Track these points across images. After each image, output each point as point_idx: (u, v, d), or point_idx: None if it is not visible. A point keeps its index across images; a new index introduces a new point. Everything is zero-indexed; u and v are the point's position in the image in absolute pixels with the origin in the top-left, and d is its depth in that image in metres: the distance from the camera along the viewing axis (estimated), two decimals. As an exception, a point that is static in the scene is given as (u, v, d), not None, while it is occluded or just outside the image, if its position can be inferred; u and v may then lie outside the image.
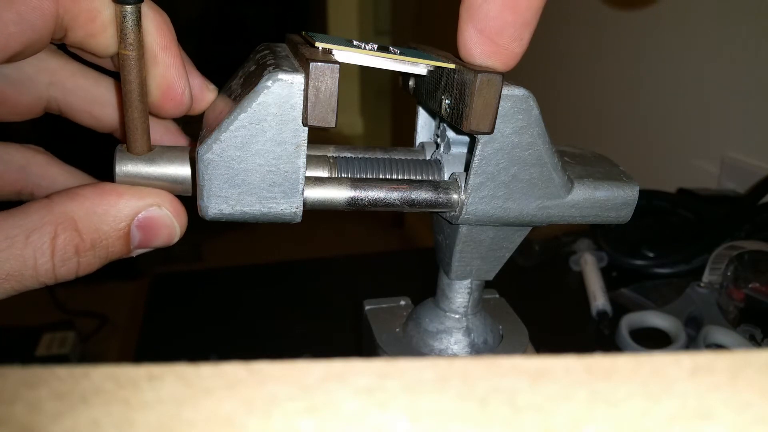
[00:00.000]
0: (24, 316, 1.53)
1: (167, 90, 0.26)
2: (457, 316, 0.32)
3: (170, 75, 0.26)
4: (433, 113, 0.32)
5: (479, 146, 0.26)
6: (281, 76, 0.23)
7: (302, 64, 0.24)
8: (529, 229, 0.30)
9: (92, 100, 0.29)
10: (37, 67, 0.28)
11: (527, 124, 0.26)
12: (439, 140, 0.30)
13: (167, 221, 0.25)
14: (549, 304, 0.68)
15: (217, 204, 0.24)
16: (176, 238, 0.26)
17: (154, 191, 0.25)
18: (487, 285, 0.33)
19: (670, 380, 0.15)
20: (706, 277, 0.63)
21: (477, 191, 0.27)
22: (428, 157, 0.31)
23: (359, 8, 3.47)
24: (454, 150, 0.29)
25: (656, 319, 0.60)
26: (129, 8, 0.22)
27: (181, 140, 0.31)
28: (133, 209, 0.25)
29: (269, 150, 0.24)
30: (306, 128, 0.24)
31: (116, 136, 0.31)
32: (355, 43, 0.26)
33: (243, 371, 0.14)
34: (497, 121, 0.25)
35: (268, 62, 0.24)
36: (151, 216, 0.25)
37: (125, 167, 0.25)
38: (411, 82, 0.31)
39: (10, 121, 0.29)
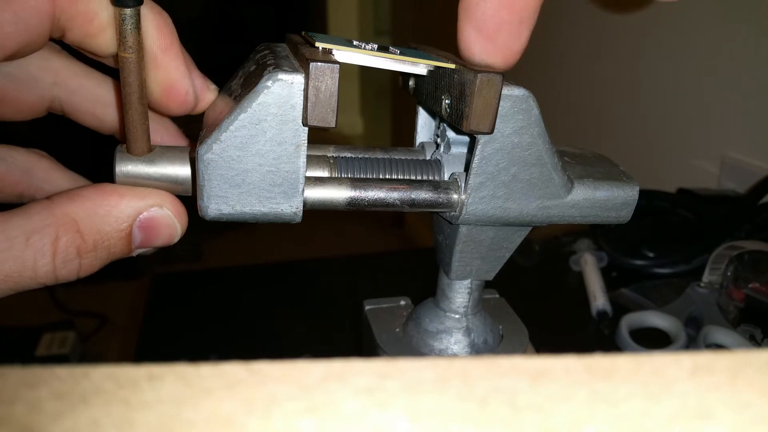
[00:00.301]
0: (24, 316, 1.53)
1: (170, 90, 0.26)
2: (457, 316, 0.32)
3: (173, 76, 0.26)
4: (433, 113, 0.32)
5: (479, 146, 0.26)
6: (281, 76, 0.23)
7: (302, 64, 0.24)
8: (529, 229, 0.30)
9: (95, 100, 0.29)
10: (41, 66, 0.28)
11: (527, 124, 0.26)
12: (439, 140, 0.30)
13: (168, 221, 0.25)
14: (549, 304, 0.68)
15: (217, 204, 0.24)
16: (177, 238, 0.26)
17: (155, 191, 0.25)
18: (487, 285, 0.33)
19: (670, 380, 0.15)
20: (706, 277, 0.63)
21: (477, 191, 0.27)
22: (428, 157, 0.31)
23: (359, 8, 3.47)
24: (454, 150, 0.29)
25: (656, 319, 0.60)
26: (128, 11, 0.22)
27: (181, 142, 0.31)
28: (135, 210, 0.25)
29: (269, 150, 0.24)
30: (306, 128, 0.24)
31: (117, 138, 0.31)
32: (355, 43, 0.26)
33: (243, 371, 0.14)
34: (497, 121, 0.25)
35: (268, 62, 0.24)
36: (153, 216, 0.25)
37: (125, 168, 0.25)
38: (411, 82, 0.31)
39: (13, 120, 0.29)
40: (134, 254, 0.26)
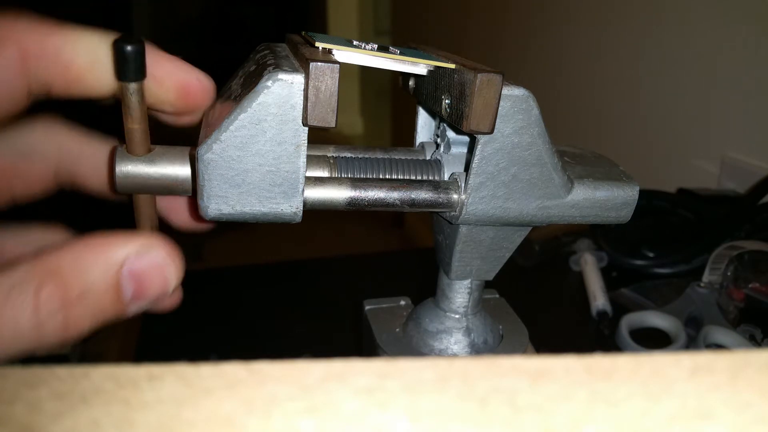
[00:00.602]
0: (24, 316, 1.52)
1: (186, 89, 0.26)
2: (457, 316, 0.32)
3: (178, 77, 0.26)
4: (433, 113, 0.32)
5: (479, 146, 0.26)
6: (281, 76, 0.23)
7: (302, 64, 0.24)
8: (529, 229, 0.30)
9: (100, 163, 0.29)
10: (44, 136, 0.29)
11: (527, 124, 0.26)
12: (439, 140, 0.30)
13: (159, 261, 0.23)
14: (549, 304, 0.68)
15: (217, 204, 0.24)
16: (173, 282, 0.24)
17: (145, 234, 0.24)
18: (487, 285, 0.33)
19: (670, 380, 0.15)
20: (706, 277, 0.63)
21: (477, 191, 0.27)
22: (428, 157, 0.31)
23: (359, 8, 3.47)
24: (454, 150, 0.29)
25: (656, 319, 0.60)
26: (132, 85, 0.23)
27: None
28: (122, 255, 0.23)
29: (269, 150, 0.24)
30: (306, 128, 0.24)
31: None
32: (355, 43, 0.26)
33: (243, 371, 0.14)
34: (497, 121, 0.25)
35: (268, 62, 0.24)
36: (142, 261, 0.23)
37: (125, 168, 0.25)
38: (411, 82, 0.31)
39: (25, 197, 0.29)
40: (129, 311, 0.24)
